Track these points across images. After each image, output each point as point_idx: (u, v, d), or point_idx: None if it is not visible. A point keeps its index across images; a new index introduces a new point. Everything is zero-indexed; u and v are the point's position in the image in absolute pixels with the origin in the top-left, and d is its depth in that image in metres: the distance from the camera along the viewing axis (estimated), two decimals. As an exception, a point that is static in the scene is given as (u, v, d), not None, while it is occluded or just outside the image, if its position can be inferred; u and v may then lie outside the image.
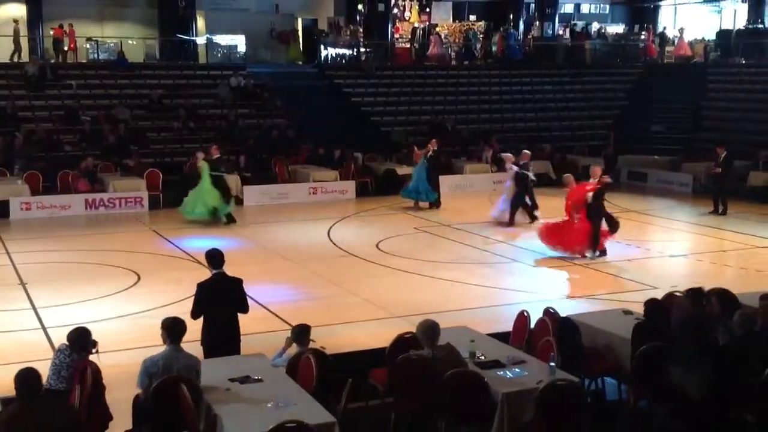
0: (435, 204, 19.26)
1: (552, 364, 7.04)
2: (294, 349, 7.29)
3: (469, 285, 12.47)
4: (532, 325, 8.49)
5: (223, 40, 29.11)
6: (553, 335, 7.92)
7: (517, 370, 7.13)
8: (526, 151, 18.47)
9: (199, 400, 6.36)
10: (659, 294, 9.31)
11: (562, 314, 8.66)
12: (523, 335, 8.47)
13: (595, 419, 7.24)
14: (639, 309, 8.10)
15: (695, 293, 8.09)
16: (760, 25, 30.54)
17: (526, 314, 8.63)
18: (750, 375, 6.92)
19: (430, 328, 7.06)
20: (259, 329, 9.41)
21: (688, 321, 7.45)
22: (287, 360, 7.17)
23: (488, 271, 13.52)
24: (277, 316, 10.67)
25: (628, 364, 7.68)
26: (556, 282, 12.82)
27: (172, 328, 6.69)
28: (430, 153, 19.00)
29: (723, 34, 31.40)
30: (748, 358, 7.06)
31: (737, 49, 29.47)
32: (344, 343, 9.22)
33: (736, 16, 33.28)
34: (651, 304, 7.92)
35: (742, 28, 31.15)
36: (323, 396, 6.60)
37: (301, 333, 7.37)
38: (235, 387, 6.63)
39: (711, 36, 32.02)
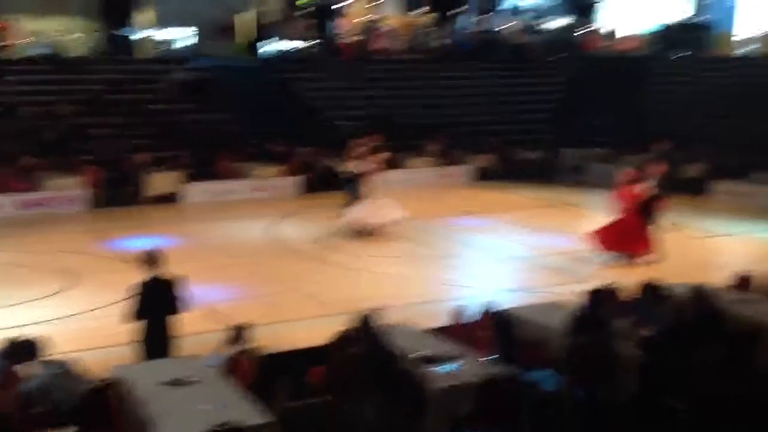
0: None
1: (489, 357, 7.15)
2: (231, 348, 7.27)
3: (410, 280, 12.56)
4: (471, 320, 8.60)
5: (169, 33, 28.72)
6: (491, 329, 8.04)
7: (454, 364, 7.21)
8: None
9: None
10: (595, 287, 9.45)
11: (501, 308, 8.78)
12: (462, 329, 8.57)
13: (532, 410, 7.36)
14: (574, 301, 8.23)
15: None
16: (698, 19, 31.24)
17: (464, 308, 8.74)
18: (681, 364, 7.12)
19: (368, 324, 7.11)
20: (197, 329, 9.32)
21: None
22: (224, 360, 7.15)
23: (430, 265, 13.62)
24: (215, 315, 10.56)
25: (564, 355, 7.81)
26: (494, 276, 12.96)
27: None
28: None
29: (663, 27, 31.98)
30: (678, 346, 7.26)
31: (677, 43, 30.07)
32: (284, 342, 9.19)
33: (676, 11, 33.90)
34: (587, 296, 8.09)
35: (681, 21, 31.79)
36: (261, 396, 6.59)
37: (239, 332, 7.36)
38: (169, 389, 6.56)
39: (652, 29, 32.59)
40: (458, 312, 8.78)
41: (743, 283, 9.93)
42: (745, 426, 6.82)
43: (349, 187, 15.79)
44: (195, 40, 28.50)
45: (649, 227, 13.57)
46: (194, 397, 6.42)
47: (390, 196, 17.33)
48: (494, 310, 8.64)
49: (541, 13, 35.19)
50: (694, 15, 31.55)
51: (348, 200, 15.76)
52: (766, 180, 19.29)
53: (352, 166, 15.68)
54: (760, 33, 28.75)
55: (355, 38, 30.22)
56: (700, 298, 8.00)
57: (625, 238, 13.37)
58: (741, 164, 20.47)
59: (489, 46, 30.78)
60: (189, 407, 6.24)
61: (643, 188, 13.57)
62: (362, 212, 15.37)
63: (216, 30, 28.77)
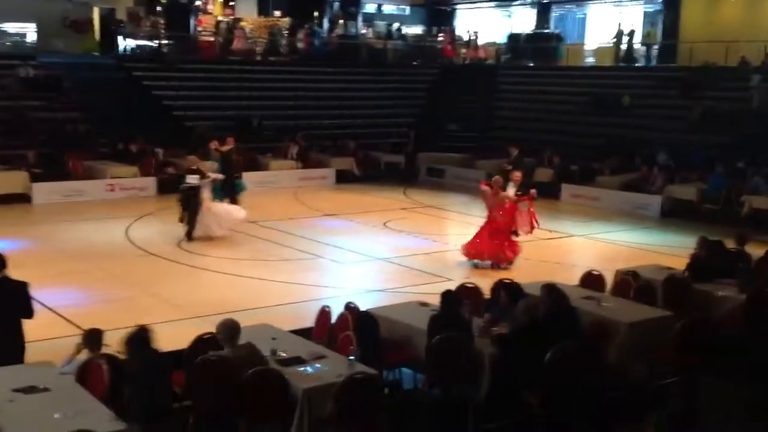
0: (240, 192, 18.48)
1: (351, 357, 7.20)
2: (85, 354, 6.97)
3: (272, 282, 12.46)
4: (333, 320, 8.63)
5: (10, 27, 27.21)
6: (353, 329, 8.09)
7: (317, 365, 7.21)
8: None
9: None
10: (454, 286, 9.72)
11: (362, 308, 8.85)
12: (325, 330, 8.58)
13: (393, 409, 7.48)
14: (436, 301, 8.40)
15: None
16: (546, 30, 32.68)
17: (327, 309, 8.76)
18: (534, 360, 7.40)
19: (230, 328, 7.01)
20: (48, 335, 8.91)
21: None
22: (77, 367, 6.85)
23: (292, 267, 13.57)
24: (67, 320, 10.15)
25: (423, 354, 7.98)
26: (357, 277, 13.07)
27: None
28: (226, 149, 18.12)
29: (513, 38, 33.27)
30: (532, 343, 7.55)
31: (526, 52, 31.35)
32: (141, 346, 8.92)
33: (525, 21, 35.34)
34: (445, 296, 8.27)
35: (530, 32, 33.16)
36: (116, 403, 6.36)
37: (92, 338, 7.05)
38: (19, 398, 6.23)
39: (502, 39, 33.82)
40: (320, 313, 8.78)
41: (592, 281, 10.48)
42: (595, 418, 7.19)
43: (185, 199, 15.28)
44: (43, 35, 27.09)
45: (513, 232, 14.00)
46: (47, 404, 6.13)
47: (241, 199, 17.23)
48: (356, 310, 8.70)
49: (401, 20, 35.82)
50: (543, 26, 32.97)
51: (185, 214, 15.29)
52: (610, 184, 20.39)
53: (191, 179, 15.19)
54: (597, 45, 30.43)
55: (214, 38, 29.74)
56: (552, 296, 8.34)
57: (496, 244, 13.66)
58: (587, 169, 21.55)
59: (349, 51, 31.03)
60: (41, 415, 5.96)
61: (511, 195, 13.92)
62: (205, 224, 15.06)
63: (67, 25, 27.52)
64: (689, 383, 7.91)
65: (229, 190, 17.82)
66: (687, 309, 9.32)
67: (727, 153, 20.76)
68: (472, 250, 13.76)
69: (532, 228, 14.31)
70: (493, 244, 13.61)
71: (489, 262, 13.61)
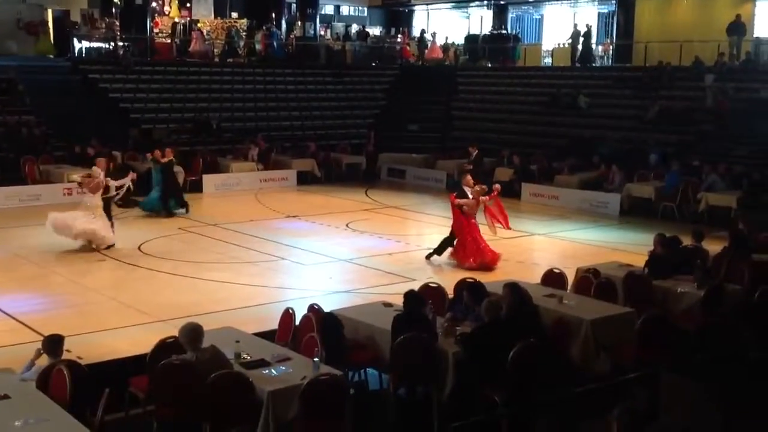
0: (174, 211, 17.97)
1: (316, 359, 7.19)
2: (45, 360, 6.87)
3: (235, 285, 12.39)
4: (297, 322, 8.61)
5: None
6: (317, 331, 8.08)
7: (282, 367, 7.19)
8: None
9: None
10: (417, 286, 9.76)
11: (326, 309, 8.84)
12: (289, 332, 8.56)
13: (358, 409, 7.48)
14: (399, 301, 8.42)
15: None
16: (503, 31, 32.93)
17: (291, 311, 8.73)
18: (497, 358, 7.46)
19: (193, 331, 6.97)
20: (7, 342, 8.80)
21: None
22: (37, 373, 6.75)
23: (254, 269, 13.50)
24: (26, 326, 9.98)
25: (388, 354, 8.00)
26: (320, 278, 13.04)
27: None
28: (166, 160, 17.95)
29: (471, 39, 33.47)
30: (495, 342, 7.61)
31: (484, 53, 31.56)
32: (103, 352, 8.84)
33: (482, 22, 35.60)
34: (408, 296, 8.30)
35: (487, 33, 33.40)
36: (79, 409, 6.28)
37: (52, 343, 6.96)
38: (-22, 406, 6.16)
39: (460, 40, 34.02)
40: (284, 315, 8.76)
41: (554, 279, 10.59)
42: (558, 414, 7.27)
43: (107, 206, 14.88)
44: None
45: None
46: (7, 412, 6.04)
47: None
48: (320, 311, 8.69)
49: (358, 22, 35.84)
50: (500, 27, 33.21)
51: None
52: (569, 183, 20.61)
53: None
54: (554, 46, 30.77)
55: (170, 40, 29.48)
56: (514, 295, 8.41)
57: (469, 247, 13.63)
58: (547, 168, 21.77)
59: (307, 52, 30.96)
60: (2, 423, 5.87)
61: (486, 198, 13.86)
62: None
63: (20, 27, 27.07)
64: (650, 378, 8.02)
65: (165, 206, 17.76)
66: (647, 305, 9.47)
67: (683, 151, 21.14)
68: (484, 258, 13.59)
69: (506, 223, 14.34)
70: (488, 250, 13.66)
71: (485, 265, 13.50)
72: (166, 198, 17.83)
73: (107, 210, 14.84)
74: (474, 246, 13.61)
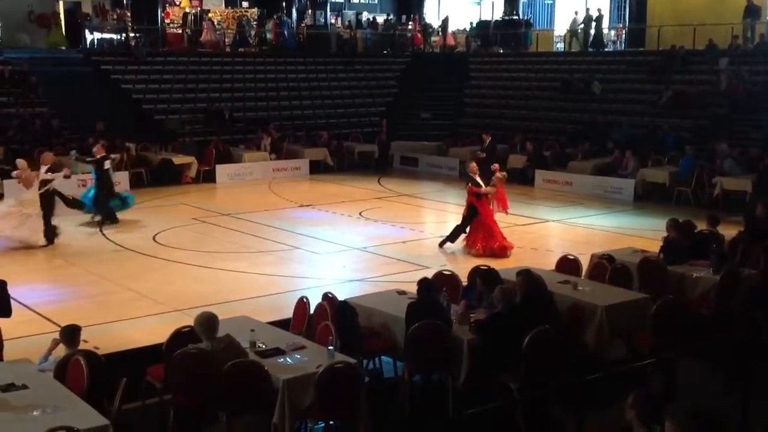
0: (110, 219, 15.78)
1: (330, 347, 7.21)
2: (62, 351, 6.93)
3: (249, 274, 12.43)
4: (312, 311, 8.63)
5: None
6: (332, 319, 8.11)
7: (297, 356, 7.22)
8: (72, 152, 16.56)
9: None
10: (431, 273, 9.76)
11: (341, 298, 8.86)
12: (303, 321, 8.58)
13: (374, 397, 7.51)
14: (413, 289, 8.41)
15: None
16: (515, 17, 32.72)
17: (305, 300, 8.74)
18: (512, 345, 7.46)
19: (208, 320, 6.99)
20: (25, 332, 8.85)
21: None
22: (55, 363, 6.80)
23: (268, 259, 13.53)
24: (43, 317, 10.06)
25: (402, 341, 8.01)
26: (334, 267, 13.06)
27: None
28: (98, 157, 15.80)
29: (482, 25, 33.28)
30: (509, 329, 7.60)
31: (495, 39, 31.40)
32: (119, 342, 8.90)
33: (494, 8, 35.38)
34: (422, 283, 8.30)
35: (499, 19, 33.20)
36: (96, 399, 6.33)
37: (70, 333, 7.01)
38: (-1, 395, 6.20)
39: (472, 26, 33.83)
40: (299, 304, 8.78)
41: (568, 266, 10.56)
42: (573, 401, 7.26)
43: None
44: (8, 29, 26.72)
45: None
46: (25, 402, 6.09)
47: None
48: (334, 300, 8.71)
49: (369, 9, 35.69)
50: (511, 12, 32.99)
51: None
52: (583, 169, 20.53)
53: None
54: (566, 31, 30.54)
55: (182, 30, 29.50)
56: (528, 281, 8.40)
57: (486, 234, 13.61)
58: (560, 154, 21.69)
59: (318, 41, 30.91)
60: (20, 413, 5.92)
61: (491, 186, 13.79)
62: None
63: (32, 19, 27.17)
64: (665, 364, 8.01)
65: (102, 209, 15.77)
66: (662, 291, 9.43)
67: (698, 135, 21.00)
68: (492, 245, 13.57)
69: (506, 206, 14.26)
70: (501, 236, 13.66)
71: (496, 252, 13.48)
72: (101, 200, 15.71)
73: (48, 206, 14.09)
74: (486, 232, 13.59)
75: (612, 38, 30.10)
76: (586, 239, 14.93)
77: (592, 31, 28.29)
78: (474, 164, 14.30)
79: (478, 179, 13.76)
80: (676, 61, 24.25)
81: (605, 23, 29.32)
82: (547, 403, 7.51)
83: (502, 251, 13.46)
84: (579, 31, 28.74)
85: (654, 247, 11.33)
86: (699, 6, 27.36)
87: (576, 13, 29.17)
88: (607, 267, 10.25)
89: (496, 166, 14.36)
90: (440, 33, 32.57)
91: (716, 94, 22.47)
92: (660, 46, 26.00)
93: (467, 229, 13.87)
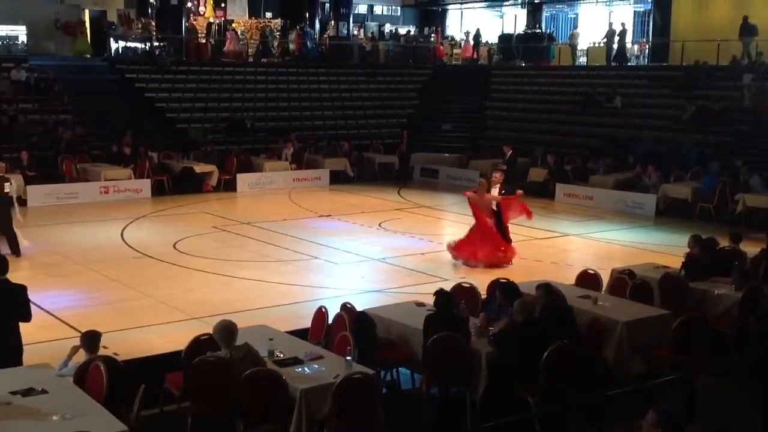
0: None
1: (348, 358, 7.21)
2: (82, 356, 6.97)
3: (268, 283, 12.46)
4: (330, 321, 8.64)
5: (1, 30, 27.12)
6: (350, 329, 8.10)
7: (315, 365, 7.22)
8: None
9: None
10: (449, 286, 9.74)
11: (359, 308, 8.86)
12: (322, 331, 8.59)
13: (391, 408, 7.49)
14: (431, 300, 8.40)
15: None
16: (537, 30, 32.70)
17: (324, 310, 8.76)
18: (531, 359, 7.42)
19: (227, 329, 7.01)
20: (45, 338, 8.92)
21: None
22: (75, 369, 6.84)
23: (288, 268, 13.56)
24: (64, 322, 10.14)
25: (420, 353, 7.99)
26: (353, 277, 13.07)
27: None
28: None
29: (505, 38, 33.29)
30: (528, 342, 7.56)
31: (517, 52, 31.39)
32: (138, 349, 8.94)
33: (516, 22, 35.41)
34: (440, 295, 8.28)
35: (521, 32, 33.20)
36: (115, 405, 6.36)
37: (90, 339, 7.05)
38: (17, 400, 6.24)
39: (494, 39, 33.86)
40: (317, 313, 8.79)
41: (588, 280, 10.50)
42: (592, 417, 7.21)
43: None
44: (34, 37, 27.01)
45: (500, 232, 13.96)
46: (45, 407, 6.13)
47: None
48: (353, 310, 8.71)
49: (391, 21, 35.82)
50: (535, 26, 32.99)
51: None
52: (604, 183, 20.43)
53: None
54: (589, 45, 30.50)
55: (205, 40, 29.71)
56: (548, 295, 8.36)
57: (489, 246, 13.64)
58: (581, 168, 21.60)
59: (341, 52, 31.03)
60: (40, 417, 5.96)
61: (497, 196, 13.81)
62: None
63: (58, 27, 27.46)
64: (686, 381, 7.93)
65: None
66: (683, 307, 9.36)
67: (720, 151, 20.85)
68: (463, 251, 13.73)
69: (528, 213, 14.16)
70: (487, 246, 13.61)
71: (480, 263, 13.55)
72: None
73: (4, 217, 13.55)
74: (476, 240, 13.62)
75: (635, 53, 29.97)
76: (606, 254, 14.84)
77: (615, 45, 28.21)
78: (500, 174, 14.28)
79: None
80: (699, 77, 24.12)
81: (628, 38, 29.20)
82: (565, 418, 7.46)
83: (504, 261, 13.54)
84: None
85: (675, 263, 11.25)
86: (723, 21, 27.21)
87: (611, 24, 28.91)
88: (627, 282, 10.18)
89: (519, 192, 14.31)
90: (461, 46, 32.54)
91: (740, 110, 22.32)
92: (683, 62, 25.88)
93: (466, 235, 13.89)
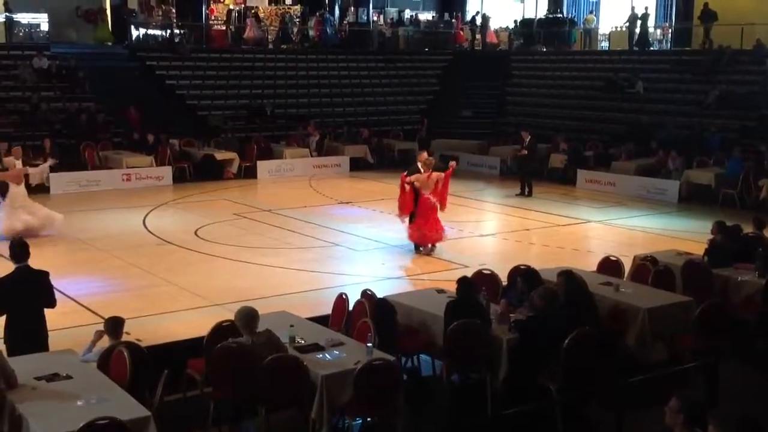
0: None
1: (369, 344, 7.22)
2: (106, 342, 7.04)
3: (289, 270, 12.50)
4: (351, 307, 8.65)
5: (23, 18, 27.28)
6: (370, 316, 8.11)
7: (335, 352, 7.24)
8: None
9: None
10: (470, 272, 9.72)
11: (379, 295, 8.87)
12: (342, 317, 8.61)
13: (411, 395, 7.51)
14: (452, 287, 8.39)
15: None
16: (558, 15, 32.42)
17: (344, 297, 8.77)
18: (552, 345, 7.40)
19: (248, 315, 7.04)
20: (69, 324, 9.01)
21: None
22: (98, 354, 6.91)
23: (308, 255, 13.59)
24: (87, 309, 10.23)
25: (441, 340, 7.99)
26: (373, 264, 13.08)
27: None
28: None
29: (525, 23, 33.03)
30: (549, 329, 7.54)
31: (538, 37, 31.15)
32: (161, 334, 9.01)
33: (537, 6, 35.09)
34: (462, 282, 8.26)
35: (542, 17, 32.93)
36: (138, 390, 6.41)
37: (114, 325, 7.12)
38: (42, 385, 6.31)
39: (517, 24, 33.58)
40: (338, 300, 8.81)
41: (610, 267, 10.44)
42: (613, 403, 7.19)
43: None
44: (56, 25, 27.16)
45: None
46: (69, 392, 6.19)
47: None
48: (373, 297, 8.72)
49: (412, 6, 35.64)
50: (555, 10, 32.70)
51: None
52: (626, 169, 20.29)
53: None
54: (611, 29, 30.19)
55: (226, 26, 29.73)
56: (569, 282, 8.32)
57: (434, 226, 13.55)
58: (603, 154, 21.45)
59: (360, 38, 30.95)
60: (64, 403, 6.02)
61: (441, 175, 13.53)
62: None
63: (79, 15, 27.58)
64: (708, 368, 7.88)
65: None
66: (706, 294, 9.29)
67: (744, 137, 20.62)
68: (424, 236, 13.54)
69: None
70: (433, 227, 13.55)
71: (431, 246, 13.50)
72: None
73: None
74: (421, 221, 13.46)
75: (658, 37, 29.65)
76: (628, 240, 14.75)
77: (638, 30, 27.92)
78: (424, 153, 14.11)
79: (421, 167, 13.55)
80: (723, 61, 23.84)
81: (651, 21, 28.88)
82: (586, 405, 7.44)
83: (430, 241, 13.48)
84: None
85: (698, 249, 11.16)
86: (747, 5, 26.85)
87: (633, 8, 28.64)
88: (650, 269, 10.12)
89: (452, 164, 14.10)
90: (479, 31, 32.31)
91: (764, 94, 22.05)
92: (706, 44, 25.57)
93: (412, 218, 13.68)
